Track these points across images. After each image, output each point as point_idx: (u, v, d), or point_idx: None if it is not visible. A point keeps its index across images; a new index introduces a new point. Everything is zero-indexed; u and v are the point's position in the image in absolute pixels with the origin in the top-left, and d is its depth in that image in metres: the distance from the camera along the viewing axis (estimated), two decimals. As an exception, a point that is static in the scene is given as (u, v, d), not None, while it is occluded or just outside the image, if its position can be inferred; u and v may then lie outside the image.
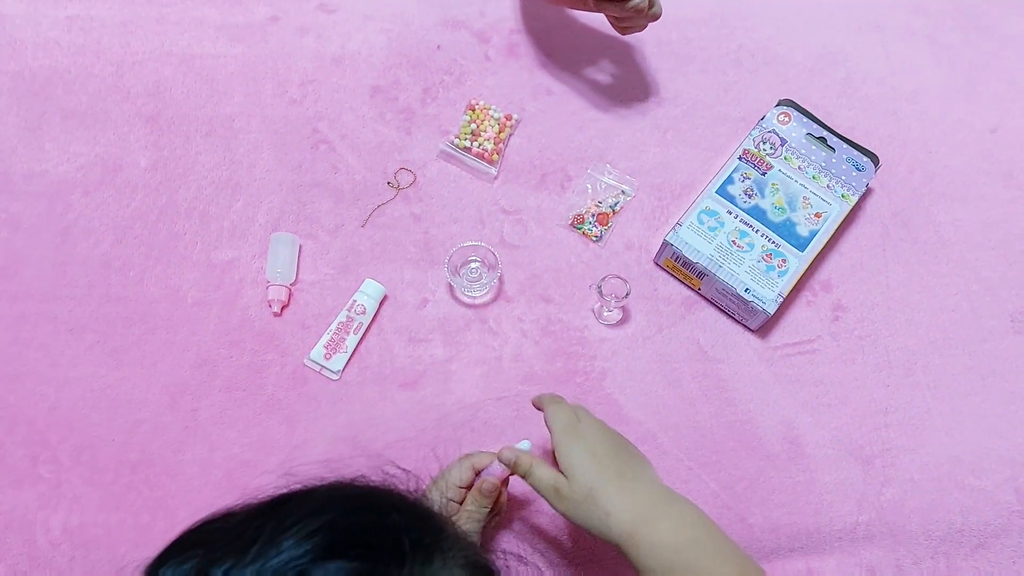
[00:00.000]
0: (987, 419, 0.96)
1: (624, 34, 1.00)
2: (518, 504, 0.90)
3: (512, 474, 0.80)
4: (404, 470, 0.64)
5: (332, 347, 0.95)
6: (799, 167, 0.99)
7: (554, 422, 0.77)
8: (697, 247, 0.95)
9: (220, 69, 1.07)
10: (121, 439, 0.92)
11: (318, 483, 0.57)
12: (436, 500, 0.81)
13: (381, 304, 0.97)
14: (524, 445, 0.83)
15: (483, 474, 0.82)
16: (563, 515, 0.74)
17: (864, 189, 0.99)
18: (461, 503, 0.82)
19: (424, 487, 0.70)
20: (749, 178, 0.99)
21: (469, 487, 0.83)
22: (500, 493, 0.83)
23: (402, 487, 0.60)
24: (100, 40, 1.07)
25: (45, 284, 0.97)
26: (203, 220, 1.00)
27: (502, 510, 0.87)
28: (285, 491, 0.57)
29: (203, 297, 0.97)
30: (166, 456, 0.92)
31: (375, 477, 0.62)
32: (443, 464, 0.86)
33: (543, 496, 0.76)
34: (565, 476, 0.74)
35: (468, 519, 0.81)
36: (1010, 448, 0.95)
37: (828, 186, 0.98)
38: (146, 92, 1.05)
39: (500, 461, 0.79)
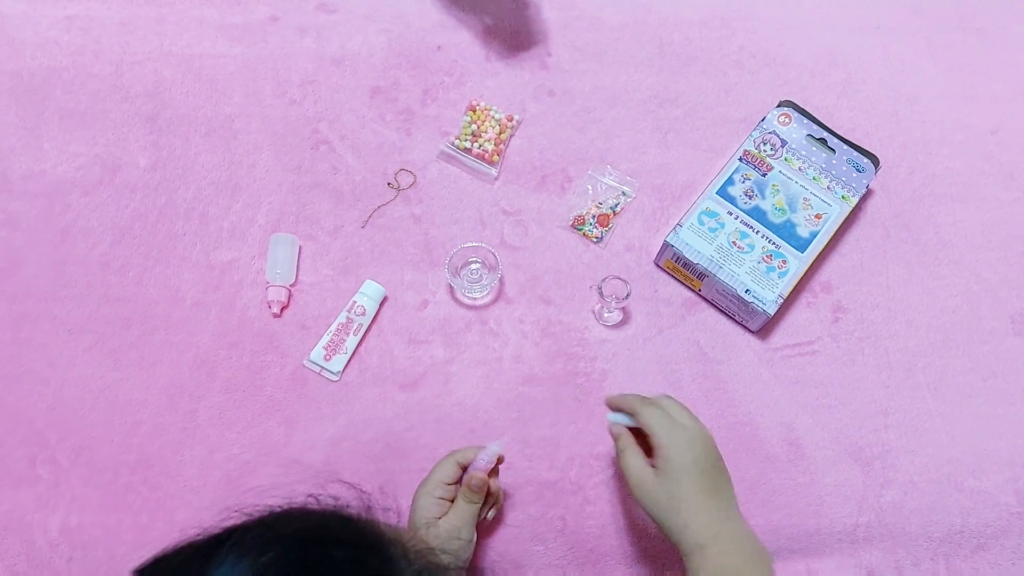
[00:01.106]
0: (987, 420, 0.96)
1: None
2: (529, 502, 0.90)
3: (500, 463, 0.82)
4: (356, 488, 0.64)
5: (332, 348, 0.94)
6: (799, 168, 0.99)
7: (653, 423, 0.77)
8: (698, 248, 0.95)
9: (220, 69, 1.07)
10: (120, 440, 0.92)
11: (266, 512, 0.57)
12: (425, 504, 0.81)
13: (381, 305, 0.97)
14: (493, 449, 0.83)
15: (469, 469, 0.82)
16: (639, 502, 0.77)
17: (864, 190, 0.99)
18: (453, 500, 0.82)
19: (373, 500, 0.73)
20: (750, 179, 0.99)
21: (458, 482, 0.83)
22: (489, 485, 0.83)
23: (352, 511, 0.59)
24: (99, 40, 1.07)
25: (44, 284, 0.97)
26: (202, 221, 1.00)
27: (498, 501, 0.87)
28: (232, 523, 0.56)
29: (202, 298, 0.97)
30: (165, 457, 0.91)
31: (324, 498, 0.61)
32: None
33: (627, 479, 0.78)
34: (656, 471, 0.76)
35: (459, 516, 0.80)
36: (1010, 449, 0.95)
37: (828, 187, 0.98)
38: (145, 92, 1.05)
39: (609, 429, 0.82)
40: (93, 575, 0.88)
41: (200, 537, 0.56)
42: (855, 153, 1.00)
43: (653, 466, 0.77)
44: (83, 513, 0.89)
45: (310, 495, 0.61)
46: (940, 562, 0.91)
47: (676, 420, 0.79)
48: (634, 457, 0.78)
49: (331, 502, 0.61)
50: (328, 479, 0.65)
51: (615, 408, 0.83)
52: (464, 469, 0.83)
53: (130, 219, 0.99)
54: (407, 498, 0.90)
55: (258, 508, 0.58)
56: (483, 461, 0.82)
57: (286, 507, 0.59)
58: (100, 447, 0.91)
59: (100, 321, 0.96)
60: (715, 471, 0.78)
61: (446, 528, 0.79)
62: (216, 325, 0.96)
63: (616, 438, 0.81)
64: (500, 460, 0.83)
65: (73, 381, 0.93)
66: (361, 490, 0.64)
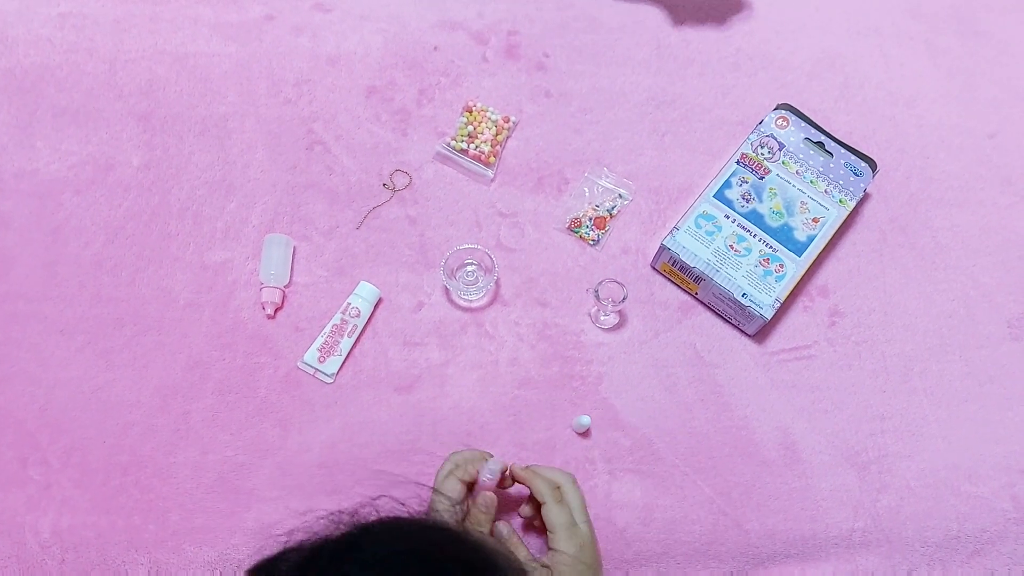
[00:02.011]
0: (984, 426, 0.96)
1: None
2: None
3: (506, 473, 0.83)
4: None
5: (326, 350, 0.94)
6: (797, 172, 0.99)
7: (559, 525, 0.80)
8: (694, 251, 0.95)
9: (214, 68, 1.06)
10: (112, 441, 0.91)
11: (367, 521, 0.58)
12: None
13: (376, 307, 0.97)
14: (585, 420, 0.90)
15: (476, 487, 0.82)
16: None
17: (862, 194, 0.99)
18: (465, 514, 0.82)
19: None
20: (747, 182, 0.98)
21: (465, 499, 0.82)
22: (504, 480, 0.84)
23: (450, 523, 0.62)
24: (93, 38, 1.06)
25: (35, 284, 0.96)
26: (196, 221, 0.99)
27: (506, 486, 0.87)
28: (345, 528, 0.57)
29: (195, 299, 0.96)
30: (157, 458, 0.91)
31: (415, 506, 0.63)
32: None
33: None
34: (545, 568, 0.79)
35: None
36: (1007, 455, 0.95)
37: (826, 191, 0.98)
38: (139, 91, 1.04)
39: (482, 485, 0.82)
40: (84, 577, 0.87)
41: (302, 542, 0.57)
42: (852, 157, 1.00)
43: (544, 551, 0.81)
44: (75, 515, 0.89)
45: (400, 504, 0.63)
46: (936, 568, 0.91)
47: (576, 523, 0.81)
48: (520, 552, 0.83)
49: (416, 510, 0.63)
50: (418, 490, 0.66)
51: (518, 479, 0.84)
52: (467, 485, 0.83)
53: (123, 219, 0.99)
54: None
55: (350, 514, 0.60)
56: (488, 479, 0.81)
57: (387, 517, 0.60)
58: (92, 448, 0.91)
59: (92, 322, 0.95)
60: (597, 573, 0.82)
61: None
62: (209, 326, 0.95)
63: (497, 535, 0.84)
64: (500, 483, 0.84)
65: (65, 382, 0.93)
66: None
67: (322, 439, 0.92)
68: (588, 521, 0.83)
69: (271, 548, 0.58)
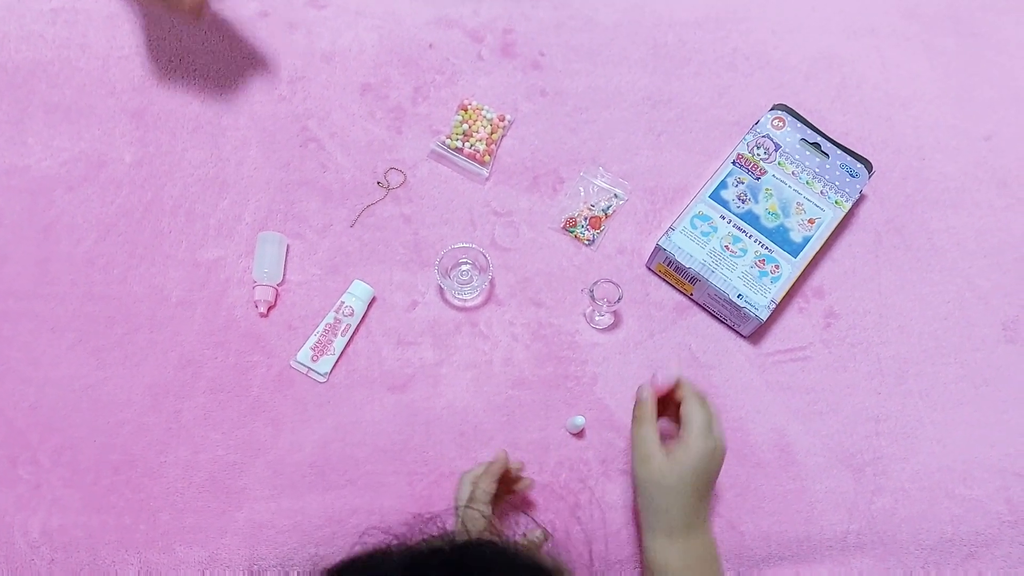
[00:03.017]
0: (979, 428, 0.95)
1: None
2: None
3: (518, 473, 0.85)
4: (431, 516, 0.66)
5: (319, 349, 0.93)
6: (793, 172, 0.98)
7: (695, 419, 0.81)
8: (690, 252, 0.94)
9: (208, 65, 1.05)
10: (103, 440, 0.90)
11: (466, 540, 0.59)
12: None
13: (369, 306, 0.96)
14: (580, 420, 0.90)
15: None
16: (634, 474, 0.83)
17: (858, 195, 0.98)
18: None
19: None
20: (743, 183, 0.98)
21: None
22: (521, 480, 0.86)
23: (548, 561, 0.60)
24: (85, 34, 1.05)
25: (26, 282, 0.95)
26: (189, 218, 0.98)
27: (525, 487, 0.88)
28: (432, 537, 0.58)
29: (188, 296, 0.95)
30: (149, 457, 0.90)
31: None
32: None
33: (634, 447, 0.83)
34: (668, 456, 0.80)
35: None
36: (1001, 458, 0.94)
37: (822, 192, 0.98)
38: (132, 87, 1.04)
39: (640, 390, 0.85)
40: (74, 577, 0.87)
41: (391, 546, 0.58)
42: (848, 158, 0.99)
43: (666, 447, 0.81)
44: (65, 514, 0.88)
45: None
46: (931, 570, 0.91)
47: (710, 431, 0.81)
48: (651, 431, 0.82)
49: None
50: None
51: (661, 381, 0.86)
52: (500, 483, 0.84)
53: (115, 216, 0.98)
54: (393, 500, 0.90)
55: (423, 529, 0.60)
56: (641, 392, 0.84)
57: (483, 539, 0.60)
58: (83, 447, 0.90)
59: (83, 319, 0.94)
60: (709, 486, 0.82)
61: None
62: (202, 324, 0.95)
63: (640, 404, 0.84)
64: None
65: (55, 380, 0.92)
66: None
67: (315, 438, 0.91)
68: (723, 435, 0.83)
69: (347, 547, 0.58)
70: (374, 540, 0.59)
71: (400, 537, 0.58)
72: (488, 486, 0.81)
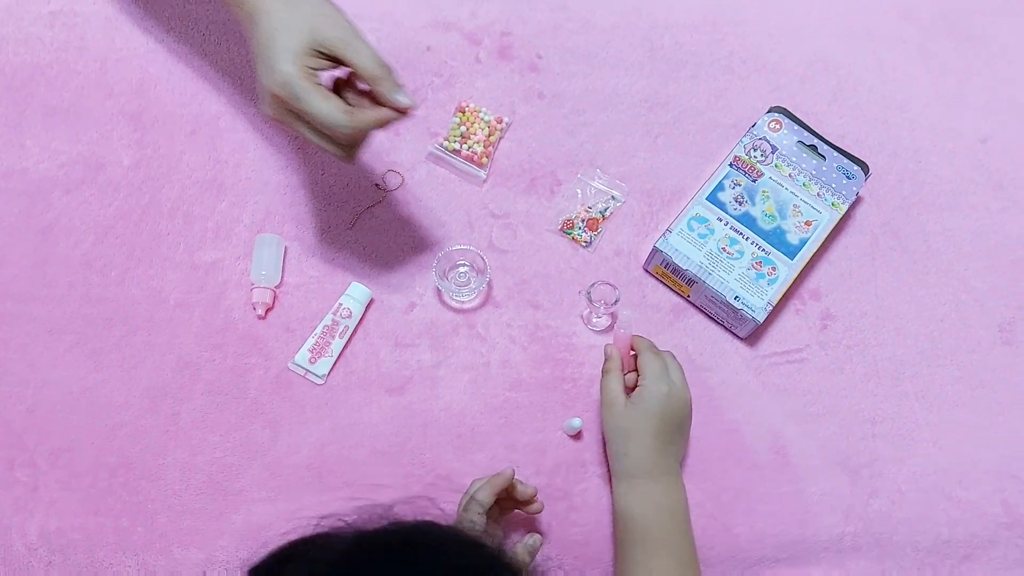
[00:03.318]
0: (975, 430, 0.96)
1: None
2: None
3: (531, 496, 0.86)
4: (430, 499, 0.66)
5: (317, 351, 0.93)
6: (790, 175, 0.99)
7: (648, 367, 0.88)
8: (687, 254, 0.94)
9: (206, 67, 1.05)
10: (100, 442, 0.90)
11: (410, 522, 0.58)
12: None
13: (367, 308, 0.96)
14: (577, 423, 0.92)
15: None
16: (602, 421, 0.89)
17: (854, 198, 0.99)
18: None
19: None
20: (740, 185, 0.98)
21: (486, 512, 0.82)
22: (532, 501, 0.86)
23: (489, 540, 0.60)
24: (84, 36, 1.06)
25: (24, 284, 0.95)
26: (187, 220, 0.98)
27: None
28: (375, 525, 0.57)
29: (186, 299, 0.95)
30: (146, 460, 0.90)
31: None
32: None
33: (601, 396, 0.89)
34: (628, 402, 0.87)
35: None
36: (997, 460, 0.95)
37: (818, 194, 0.98)
38: (130, 89, 1.04)
39: (606, 347, 0.91)
40: (72, 579, 0.87)
41: (333, 531, 0.57)
42: (845, 160, 1.00)
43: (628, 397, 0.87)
44: (62, 517, 0.88)
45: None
46: (927, 572, 0.91)
47: (669, 374, 0.88)
48: (615, 381, 0.88)
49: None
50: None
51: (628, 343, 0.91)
52: (505, 497, 0.84)
53: (113, 218, 0.98)
54: (390, 502, 0.90)
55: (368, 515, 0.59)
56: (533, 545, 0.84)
57: (423, 522, 0.59)
58: (80, 450, 0.90)
59: (81, 322, 0.94)
60: (674, 429, 0.88)
61: None
62: (200, 326, 0.95)
63: (608, 358, 0.90)
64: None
65: (53, 383, 0.92)
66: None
67: (312, 440, 0.92)
68: (684, 382, 0.89)
69: (302, 530, 0.58)
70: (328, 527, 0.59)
71: (352, 525, 0.58)
72: (485, 497, 0.81)
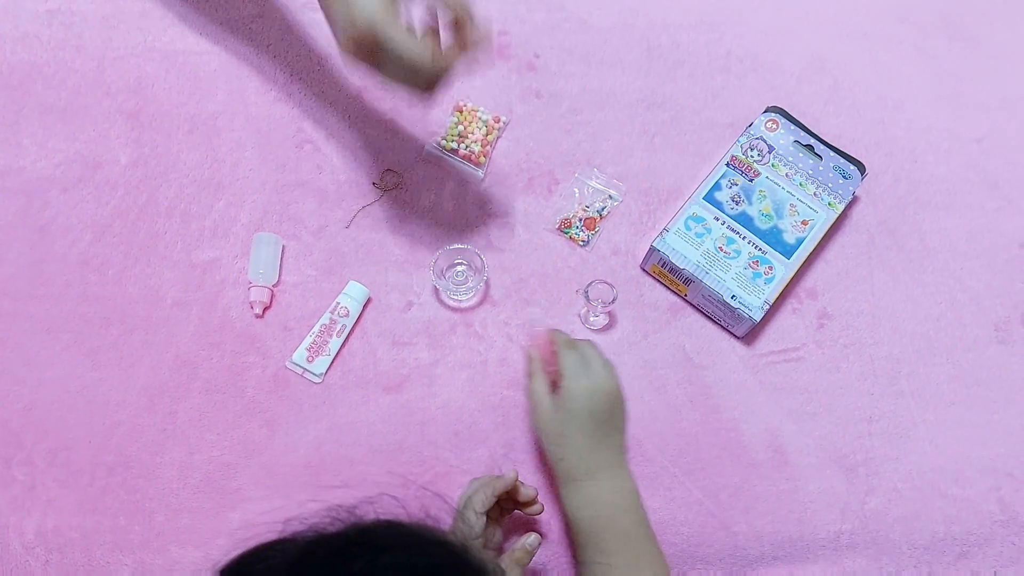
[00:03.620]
0: (971, 428, 0.96)
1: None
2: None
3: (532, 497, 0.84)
4: (438, 495, 0.69)
5: (315, 350, 0.93)
6: (786, 174, 0.99)
7: (566, 364, 0.86)
8: (684, 253, 0.95)
9: (203, 66, 1.06)
10: (98, 441, 0.90)
11: (370, 521, 0.57)
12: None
13: (365, 307, 0.96)
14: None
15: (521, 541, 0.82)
16: (533, 427, 0.87)
17: (850, 197, 0.99)
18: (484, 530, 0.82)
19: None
20: (736, 184, 0.98)
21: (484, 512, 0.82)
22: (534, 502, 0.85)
23: (450, 535, 0.60)
24: (81, 35, 1.06)
25: (21, 283, 0.95)
26: (184, 219, 0.99)
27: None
28: (336, 527, 0.57)
29: (183, 297, 0.95)
30: (144, 458, 0.90)
31: (414, 509, 0.62)
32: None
33: (529, 403, 0.88)
34: (554, 404, 0.85)
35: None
36: (993, 458, 0.95)
37: (815, 194, 0.98)
38: (127, 88, 1.04)
39: (527, 352, 0.90)
40: (69, 578, 0.87)
41: (296, 535, 0.56)
42: (841, 160, 1.00)
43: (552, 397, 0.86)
44: (59, 516, 0.88)
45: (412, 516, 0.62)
46: (923, 569, 0.91)
47: (589, 367, 0.86)
48: (539, 384, 0.87)
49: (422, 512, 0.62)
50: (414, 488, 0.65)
51: (541, 339, 0.91)
52: (503, 500, 0.83)
53: (110, 217, 0.98)
54: (387, 501, 0.90)
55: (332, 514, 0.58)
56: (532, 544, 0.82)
57: (385, 520, 0.58)
58: (77, 449, 0.90)
59: (78, 320, 0.94)
60: (606, 422, 0.86)
61: None
62: (197, 325, 0.95)
63: (528, 361, 0.89)
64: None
65: (50, 381, 0.92)
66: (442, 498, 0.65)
67: (309, 439, 0.92)
68: (607, 367, 0.87)
69: (268, 536, 0.57)
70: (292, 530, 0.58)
71: (314, 528, 0.57)
72: (484, 499, 0.81)
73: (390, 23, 0.76)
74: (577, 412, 0.84)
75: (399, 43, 0.76)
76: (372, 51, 0.77)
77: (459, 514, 0.83)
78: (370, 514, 0.59)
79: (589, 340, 0.90)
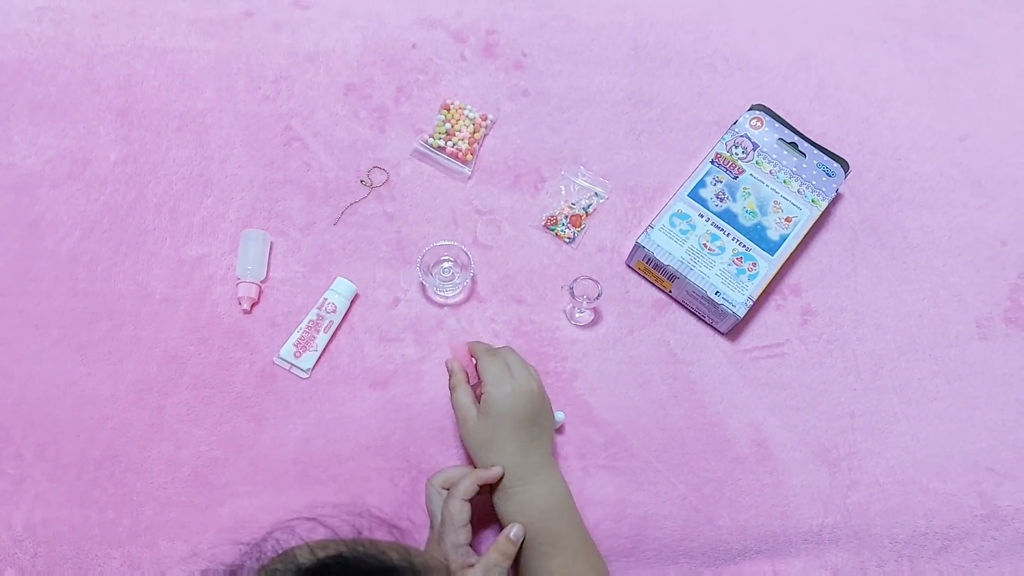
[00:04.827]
0: (952, 424, 0.97)
1: None
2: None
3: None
4: (388, 523, 0.65)
5: (302, 345, 0.94)
6: (770, 172, 1.00)
7: (487, 371, 0.84)
8: (669, 250, 0.95)
9: (192, 63, 1.06)
10: (86, 435, 0.91)
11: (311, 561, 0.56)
12: (455, 553, 0.80)
13: (352, 303, 0.97)
14: (559, 416, 0.91)
15: (507, 533, 0.81)
16: (462, 438, 0.84)
17: (834, 194, 1.00)
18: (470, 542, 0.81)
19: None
20: (721, 182, 0.99)
21: (470, 521, 0.82)
22: None
23: (395, 557, 0.58)
24: (71, 32, 1.06)
25: (10, 278, 0.96)
26: (173, 216, 0.99)
27: None
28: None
29: (172, 293, 0.96)
30: (132, 453, 0.91)
31: (348, 529, 0.61)
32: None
33: (456, 415, 0.85)
34: (479, 413, 0.83)
35: (493, 569, 0.79)
36: (974, 453, 0.96)
37: (799, 191, 0.99)
38: (117, 85, 1.04)
39: (446, 363, 0.88)
40: (58, 571, 0.87)
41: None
42: (825, 157, 1.01)
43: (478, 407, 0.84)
44: (48, 509, 0.89)
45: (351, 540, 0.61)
46: (904, 563, 0.92)
47: (510, 372, 0.84)
48: (463, 396, 0.85)
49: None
50: (360, 512, 0.65)
51: (462, 350, 0.89)
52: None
53: (99, 213, 0.99)
54: (375, 495, 0.90)
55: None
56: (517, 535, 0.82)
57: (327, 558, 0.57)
58: (66, 443, 0.91)
59: (67, 316, 0.95)
60: (530, 425, 0.84)
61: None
62: (185, 321, 0.95)
63: (451, 373, 0.88)
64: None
65: (39, 376, 0.93)
66: (393, 525, 0.65)
67: (297, 434, 0.92)
68: (527, 370, 0.85)
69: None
70: None
71: (237, 572, 0.56)
72: (469, 486, 0.81)
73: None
74: (502, 417, 0.82)
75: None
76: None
77: (436, 498, 0.83)
78: (288, 541, 0.58)
79: (509, 346, 0.88)
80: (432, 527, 0.84)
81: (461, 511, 0.80)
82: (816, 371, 0.98)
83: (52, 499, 0.89)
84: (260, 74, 1.06)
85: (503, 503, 0.83)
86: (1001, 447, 0.96)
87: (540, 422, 0.85)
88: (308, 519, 0.61)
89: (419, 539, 0.88)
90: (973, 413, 0.97)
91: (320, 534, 0.61)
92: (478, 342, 0.89)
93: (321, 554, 0.57)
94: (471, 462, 0.85)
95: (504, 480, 0.82)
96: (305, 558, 0.56)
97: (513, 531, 0.81)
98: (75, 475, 0.90)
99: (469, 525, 0.81)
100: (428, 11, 1.10)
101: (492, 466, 0.82)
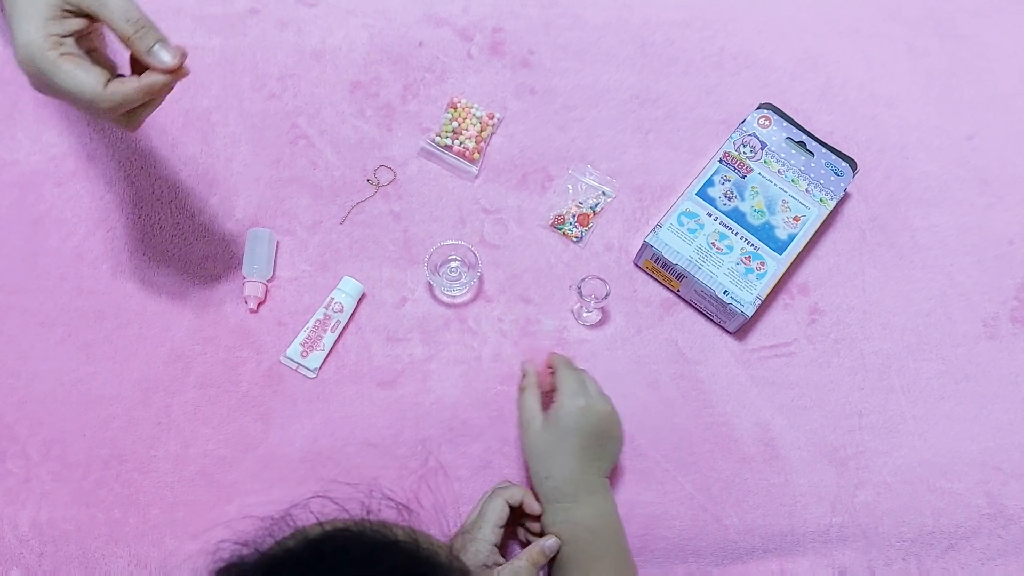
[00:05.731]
0: (959, 423, 0.97)
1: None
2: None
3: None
4: (398, 504, 0.64)
5: (309, 345, 0.94)
6: (778, 171, 1.00)
7: (565, 382, 0.85)
8: (677, 249, 0.95)
9: (198, 61, 1.05)
10: (92, 434, 0.91)
11: (316, 533, 0.56)
12: (482, 549, 0.79)
13: (359, 302, 0.97)
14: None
15: (541, 544, 0.81)
16: (521, 441, 0.86)
17: (842, 193, 1.00)
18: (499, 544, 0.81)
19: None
20: (729, 181, 0.99)
21: (505, 525, 0.82)
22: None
23: (401, 535, 0.58)
24: (75, 29, 1.05)
25: (15, 276, 0.95)
26: (178, 214, 0.99)
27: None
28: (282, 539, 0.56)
29: (178, 292, 0.96)
30: (138, 452, 0.90)
31: (360, 510, 0.61)
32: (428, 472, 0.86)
33: (520, 416, 0.87)
34: (545, 420, 0.84)
35: (523, 570, 0.79)
36: (981, 452, 0.96)
37: (807, 190, 0.99)
38: (122, 83, 1.04)
39: (523, 364, 0.90)
40: (64, 571, 0.87)
41: (239, 560, 0.55)
42: (833, 156, 1.01)
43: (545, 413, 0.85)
44: (54, 508, 0.88)
45: (366, 512, 0.61)
46: (911, 562, 0.92)
47: (585, 389, 0.85)
48: (532, 399, 0.86)
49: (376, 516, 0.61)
50: (374, 492, 0.65)
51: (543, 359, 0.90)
52: (512, 508, 0.83)
53: (105, 211, 0.98)
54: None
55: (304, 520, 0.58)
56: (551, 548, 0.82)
57: (335, 529, 0.57)
58: (72, 442, 0.90)
59: (73, 314, 0.94)
60: (596, 446, 0.84)
61: None
62: (191, 319, 0.95)
63: (524, 374, 0.89)
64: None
65: (44, 375, 0.92)
66: (403, 506, 0.64)
67: (304, 433, 0.92)
68: (604, 395, 0.86)
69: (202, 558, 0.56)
70: (227, 552, 0.56)
71: (252, 544, 0.55)
72: (499, 508, 0.81)
73: (51, 55, 0.68)
74: (570, 430, 0.82)
75: (61, 79, 0.68)
76: (43, 83, 0.70)
77: (488, 498, 0.83)
78: (304, 519, 0.57)
79: (583, 370, 0.89)
80: (462, 530, 0.84)
81: (501, 511, 0.80)
82: (823, 370, 0.98)
83: (58, 498, 0.89)
84: (266, 72, 1.06)
85: (552, 518, 0.83)
86: (1008, 446, 0.96)
87: (605, 445, 0.85)
88: (322, 496, 0.61)
89: (427, 525, 0.87)
90: (980, 412, 0.98)
91: (330, 511, 0.60)
92: (560, 355, 0.90)
93: (328, 528, 0.57)
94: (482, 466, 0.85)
95: (555, 493, 0.82)
96: (314, 533, 0.56)
97: (548, 543, 0.81)
98: (81, 474, 0.89)
99: (502, 529, 0.81)
100: (434, 9, 1.10)
101: (518, 490, 0.84)
